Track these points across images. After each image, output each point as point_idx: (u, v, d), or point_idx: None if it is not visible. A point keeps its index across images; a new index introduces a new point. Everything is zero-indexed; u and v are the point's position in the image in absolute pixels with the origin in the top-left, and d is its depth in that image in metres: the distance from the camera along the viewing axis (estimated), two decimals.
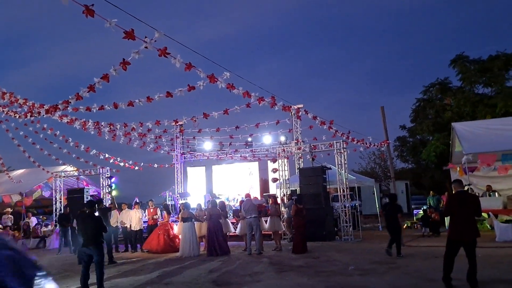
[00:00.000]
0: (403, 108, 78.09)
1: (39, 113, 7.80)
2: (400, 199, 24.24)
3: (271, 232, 13.34)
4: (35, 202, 24.40)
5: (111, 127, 10.55)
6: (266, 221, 13.10)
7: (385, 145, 13.15)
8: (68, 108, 7.73)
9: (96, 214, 8.48)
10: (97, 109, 8.33)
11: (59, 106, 7.23)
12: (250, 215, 11.93)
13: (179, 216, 13.45)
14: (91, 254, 7.44)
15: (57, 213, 19.05)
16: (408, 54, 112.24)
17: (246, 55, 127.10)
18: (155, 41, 6.04)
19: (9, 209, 22.25)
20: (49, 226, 19.85)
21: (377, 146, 13.78)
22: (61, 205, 19.67)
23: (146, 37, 6.08)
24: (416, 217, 18.25)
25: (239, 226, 13.17)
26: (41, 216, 22.58)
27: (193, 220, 12.61)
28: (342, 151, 14.44)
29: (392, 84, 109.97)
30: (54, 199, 20.05)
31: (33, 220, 20.46)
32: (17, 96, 8.48)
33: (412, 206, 23.66)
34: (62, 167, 21.16)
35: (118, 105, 8.24)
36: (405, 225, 17.07)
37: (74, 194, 18.29)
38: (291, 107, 8.76)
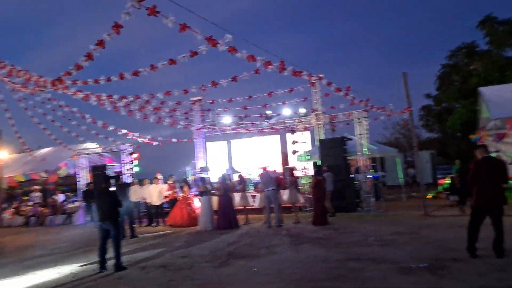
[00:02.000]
0: (427, 77, 75.48)
1: (45, 86, 7.76)
2: (426, 169, 23.76)
3: (291, 205, 13.23)
4: (62, 180, 25.03)
5: (124, 100, 10.43)
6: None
7: (408, 112, 12.60)
8: (77, 82, 7.67)
9: (112, 189, 8.47)
10: (105, 80, 8.23)
11: (62, 78, 7.14)
12: (267, 188, 11.81)
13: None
14: (108, 229, 7.47)
15: (81, 190, 19.45)
16: (431, 20, 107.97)
17: (264, 30, 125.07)
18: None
19: (37, 187, 22.91)
20: (76, 203, 20.35)
21: (399, 114, 13.26)
22: (86, 181, 20.05)
23: None
24: (442, 187, 17.74)
25: (258, 198, 13.13)
26: (68, 193, 23.12)
27: (209, 194, 12.62)
28: (362, 120, 14.00)
29: (415, 53, 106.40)
30: (78, 176, 20.45)
31: (60, 197, 20.99)
32: (17, 67, 8.41)
33: (438, 176, 23.04)
34: (85, 145, 21.47)
35: (124, 75, 8.12)
36: (430, 195, 16.65)
37: (98, 171, 18.58)
38: (302, 72, 8.37)
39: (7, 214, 21.16)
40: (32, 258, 9.37)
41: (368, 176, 14.15)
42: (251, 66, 8.07)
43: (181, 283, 5.96)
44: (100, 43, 6.69)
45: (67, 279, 6.82)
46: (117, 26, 6.37)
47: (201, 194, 12.56)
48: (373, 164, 15.68)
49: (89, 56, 6.69)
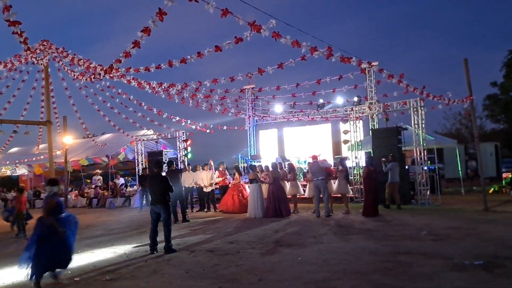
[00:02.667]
0: (493, 65, 70.50)
1: (99, 74, 8.13)
2: (489, 161, 22.36)
3: (340, 195, 13.01)
4: (122, 164, 26.34)
5: (172, 88, 10.71)
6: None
7: (469, 101, 11.85)
8: (131, 70, 7.97)
9: (163, 174, 8.75)
10: (155, 68, 8.48)
11: (114, 65, 7.45)
12: (317, 177, 11.68)
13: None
14: (159, 212, 7.74)
15: (138, 175, 20.32)
16: (498, 1, 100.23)
17: (318, 16, 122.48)
18: None
19: (98, 171, 24.28)
20: (134, 187, 21.33)
21: (459, 102, 12.49)
22: (142, 166, 20.93)
23: None
24: (505, 181, 16.66)
25: (307, 188, 13.04)
26: (126, 177, 24.27)
27: (259, 181, 12.69)
28: (418, 109, 13.39)
29: (479, 38, 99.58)
30: (136, 161, 21.40)
31: (120, 181, 22.09)
32: (79, 56, 8.85)
33: (503, 170, 21.62)
34: (142, 131, 22.40)
35: (173, 63, 8.31)
36: (492, 189, 15.70)
37: (154, 157, 19.31)
38: (350, 58, 8.08)
39: (72, 196, 22.64)
40: (91, 237, 9.96)
41: (424, 168, 13.58)
42: (299, 54, 7.94)
43: (226, 267, 6.07)
44: (146, 30, 6.86)
45: (121, 259, 7.18)
46: (161, 13, 6.50)
47: (251, 181, 12.68)
48: (430, 155, 15.00)
49: (136, 44, 6.91)
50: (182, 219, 12.16)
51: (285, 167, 14.33)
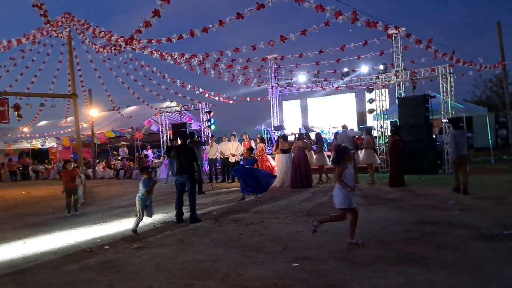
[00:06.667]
0: None
1: (120, 46, 8.12)
2: None
3: (366, 165, 12.86)
4: (147, 136, 26.74)
5: (194, 58, 10.62)
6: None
7: (501, 66, 11.32)
8: (152, 41, 7.92)
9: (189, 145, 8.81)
10: (177, 38, 8.40)
11: (134, 36, 7.41)
12: None
13: (278, 147, 13.76)
14: (184, 182, 7.85)
15: (164, 146, 20.60)
16: None
17: None
18: None
19: (124, 143, 24.74)
20: (161, 158, 21.68)
21: (491, 68, 11.93)
22: (167, 138, 21.18)
23: None
24: None
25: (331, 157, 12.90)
26: (152, 149, 24.67)
27: (289, 152, 12.68)
28: (447, 76, 12.91)
29: None
30: (161, 133, 21.67)
31: (146, 152, 22.47)
32: (101, 28, 8.84)
33: None
34: (166, 104, 22.56)
35: (194, 32, 8.19)
36: None
37: (178, 128, 19.50)
38: (377, 23, 7.73)
39: (100, 167, 23.23)
40: (119, 207, 10.23)
41: None
42: (322, 20, 7.67)
43: (250, 236, 6.14)
44: None
45: (148, 228, 7.35)
46: None
47: (284, 152, 12.68)
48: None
49: (156, 13, 6.83)
50: (198, 191, 12.28)
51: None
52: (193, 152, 8.01)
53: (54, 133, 26.79)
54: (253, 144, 15.61)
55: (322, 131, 17.45)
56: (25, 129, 26.75)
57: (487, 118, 17.85)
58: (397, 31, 11.57)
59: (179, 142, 8.31)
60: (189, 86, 15.41)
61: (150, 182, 6.88)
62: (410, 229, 6.02)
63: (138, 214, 6.78)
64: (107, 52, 10.05)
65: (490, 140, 17.35)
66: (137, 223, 6.78)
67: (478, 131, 21.96)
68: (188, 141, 8.50)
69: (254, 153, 14.71)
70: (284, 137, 13.27)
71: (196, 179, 8.09)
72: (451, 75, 13.00)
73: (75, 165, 10.79)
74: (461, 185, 9.14)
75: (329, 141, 16.88)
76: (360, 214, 7.45)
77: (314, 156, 13.13)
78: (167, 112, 21.67)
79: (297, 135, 12.97)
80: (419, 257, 4.64)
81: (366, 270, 4.29)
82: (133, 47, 8.50)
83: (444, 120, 12.94)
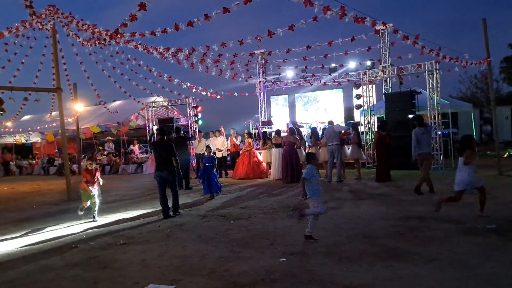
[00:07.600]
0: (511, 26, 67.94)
1: (104, 39, 8.00)
2: (504, 126, 21.98)
3: (353, 161, 12.94)
4: (133, 131, 26.48)
5: (180, 53, 10.52)
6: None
7: (486, 63, 11.46)
8: (136, 35, 7.81)
9: (167, 141, 8.76)
10: (161, 32, 8.30)
11: (119, 29, 7.30)
12: (331, 142, 11.60)
13: (265, 143, 13.89)
14: (165, 177, 7.82)
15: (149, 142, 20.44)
16: None
17: None
18: None
19: (110, 138, 24.46)
20: (146, 153, 21.54)
21: (476, 64, 12.08)
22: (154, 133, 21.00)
23: None
24: None
25: (320, 152, 12.95)
26: (138, 144, 24.47)
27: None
28: (433, 72, 13.04)
29: None
30: (147, 128, 21.48)
31: (132, 148, 22.27)
32: (86, 22, 8.71)
33: None
34: (153, 98, 22.34)
35: (179, 26, 8.09)
36: (506, 153, 15.48)
37: (165, 123, 19.32)
38: (365, 19, 7.73)
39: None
40: (105, 203, 10.08)
41: (437, 132, 13.38)
42: (310, 15, 7.63)
43: (238, 232, 6.12)
44: None
45: (134, 224, 7.29)
46: None
47: (277, 146, 12.87)
48: (445, 120, 14.75)
49: (142, 6, 6.73)
50: (185, 187, 12.22)
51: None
52: (171, 147, 7.99)
53: (38, 127, 26.34)
54: (239, 140, 15.61)
55: (310, 126, 17.51)
56: (8, 124, 26.22)
57: (472, 114, 18.12)
58: (384, 27, 11.60)
59: (158, 138, 8.25)
60: (176, 80, 15.27)
61: None
62: (397, 224, 6.07)
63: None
64: (92, 45, 9.90)
65: (474, 136, 17.58)
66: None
67: (463, 127, 22.24)
68: (165, 136, 8.44)
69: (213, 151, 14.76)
70: (278, 132, 13.49)
71: (175, 174, 8.05)
72: (437, 71, 13.13)
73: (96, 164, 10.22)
74: (418, 182, 8.89)
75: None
76: (347, 209, 7.53)
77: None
78: (154, 107, 21.48)
79: (289, 130, 13.03)
80: (405, 252, 4.68)
81: (353, 264, 4.31)
82: (117, 41, 8.37)
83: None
